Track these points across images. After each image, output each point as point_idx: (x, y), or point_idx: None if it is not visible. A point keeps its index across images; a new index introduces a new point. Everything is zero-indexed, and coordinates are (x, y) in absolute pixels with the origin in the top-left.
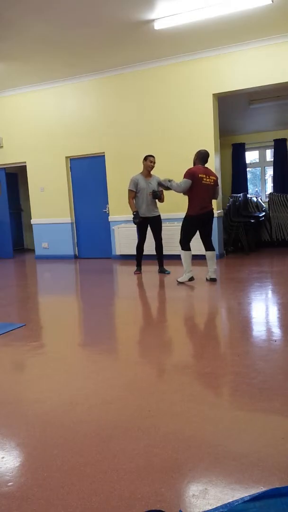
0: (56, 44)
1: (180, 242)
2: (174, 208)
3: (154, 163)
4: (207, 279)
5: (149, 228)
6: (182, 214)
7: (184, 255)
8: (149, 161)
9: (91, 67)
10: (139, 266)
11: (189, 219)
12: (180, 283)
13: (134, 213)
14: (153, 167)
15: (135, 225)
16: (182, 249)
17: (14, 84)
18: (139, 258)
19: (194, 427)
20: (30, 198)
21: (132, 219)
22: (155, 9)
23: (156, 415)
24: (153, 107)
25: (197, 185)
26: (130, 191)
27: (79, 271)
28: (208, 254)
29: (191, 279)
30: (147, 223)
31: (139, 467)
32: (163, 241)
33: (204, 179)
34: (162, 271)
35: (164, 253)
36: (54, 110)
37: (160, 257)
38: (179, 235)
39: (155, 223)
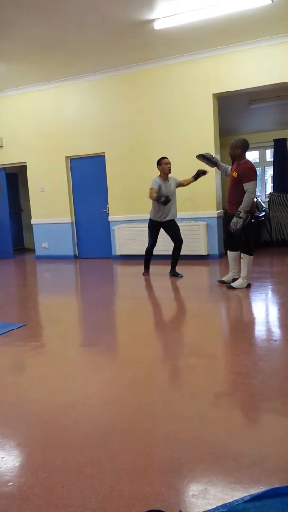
0: (56, 44)
1: (247, 246)
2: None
3: (170, 163)
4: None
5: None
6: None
7: (249, 260)
8: (163, 164)
9: (91, 67)
10: (147, 268)
11: (250, 218)
12: (234, 288)
13: (163, 198)
14: (169, 168)
15: (161, 203)
16: (248, 253)
17: (14, 84)
18: (148, 259)
19: (194, 427)
20: (30, 198)
21: (162, 201)
22: (155, 9)
23: (156, 415)
24: (153, 107)
25: None
26: (152, 188)
27: (79, 271)
28: (234, 254)
29: (249, 285)
30: (160, 227)
31: (139, 467)
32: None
33: None
34: (175, 274)
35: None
36: (54, 110)
37: (176, 260)
38: (245, 240)
39: (176, 224)
